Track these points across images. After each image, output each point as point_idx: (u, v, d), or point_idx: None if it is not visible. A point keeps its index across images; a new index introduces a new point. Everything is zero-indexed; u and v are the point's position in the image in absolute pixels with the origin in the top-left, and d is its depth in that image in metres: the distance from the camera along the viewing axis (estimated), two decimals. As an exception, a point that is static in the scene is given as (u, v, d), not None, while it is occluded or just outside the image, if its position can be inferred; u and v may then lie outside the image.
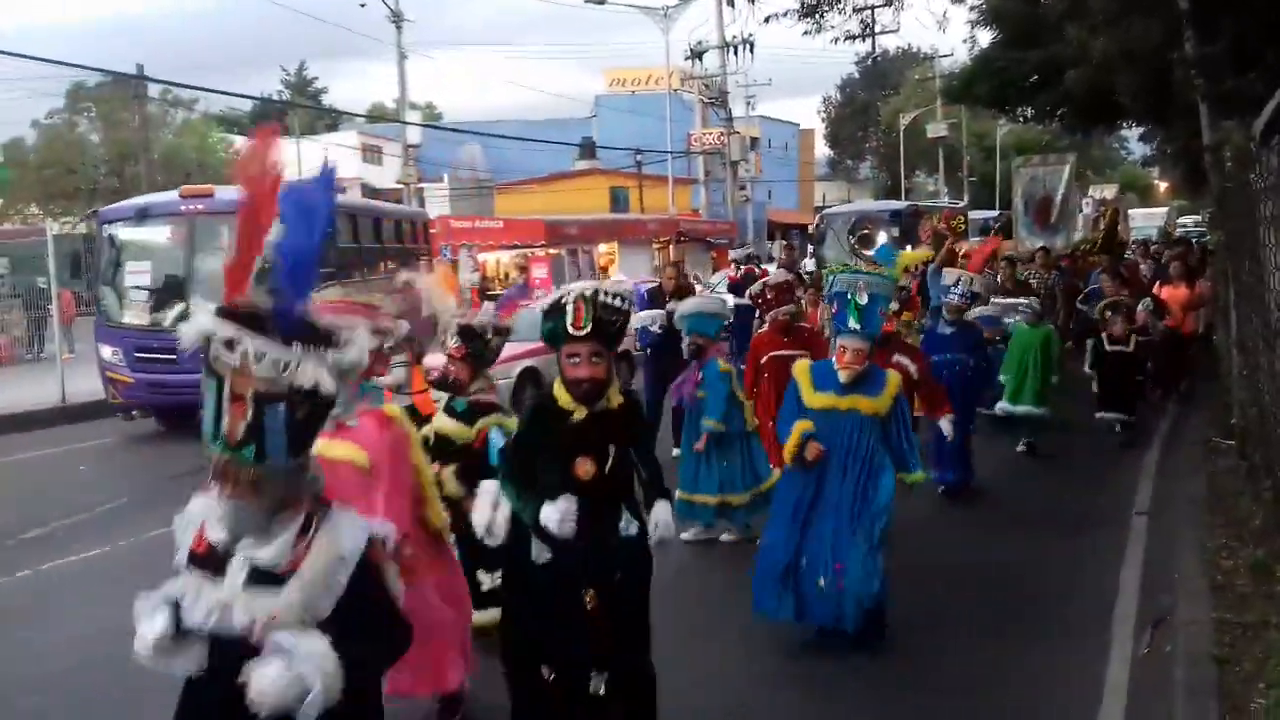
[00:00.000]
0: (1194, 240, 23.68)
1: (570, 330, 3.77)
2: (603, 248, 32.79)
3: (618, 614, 3.87)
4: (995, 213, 32.22)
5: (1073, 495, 8.67)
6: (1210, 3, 11.92)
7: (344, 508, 2.62)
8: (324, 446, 3.27)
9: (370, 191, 51.71)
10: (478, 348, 5.12)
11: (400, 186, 33.39)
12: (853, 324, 5.40)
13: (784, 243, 34.75)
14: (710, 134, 38.81)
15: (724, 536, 7.69)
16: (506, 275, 29.68)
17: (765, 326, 9.01)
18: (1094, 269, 15.26)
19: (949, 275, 9.13)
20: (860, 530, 5.38)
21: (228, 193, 12.45)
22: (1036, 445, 10.30)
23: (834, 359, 5.52)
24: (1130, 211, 33.77)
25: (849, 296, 5.43)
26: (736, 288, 12.83)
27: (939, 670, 5.42)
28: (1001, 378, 10.34)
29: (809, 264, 22.05)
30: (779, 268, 14.48)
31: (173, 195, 14.36)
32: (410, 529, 4.04)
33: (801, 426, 5.40)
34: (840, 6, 16.71)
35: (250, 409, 2.34)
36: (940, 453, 8.29)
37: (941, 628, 5.90)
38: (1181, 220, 46.50)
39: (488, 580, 5.07)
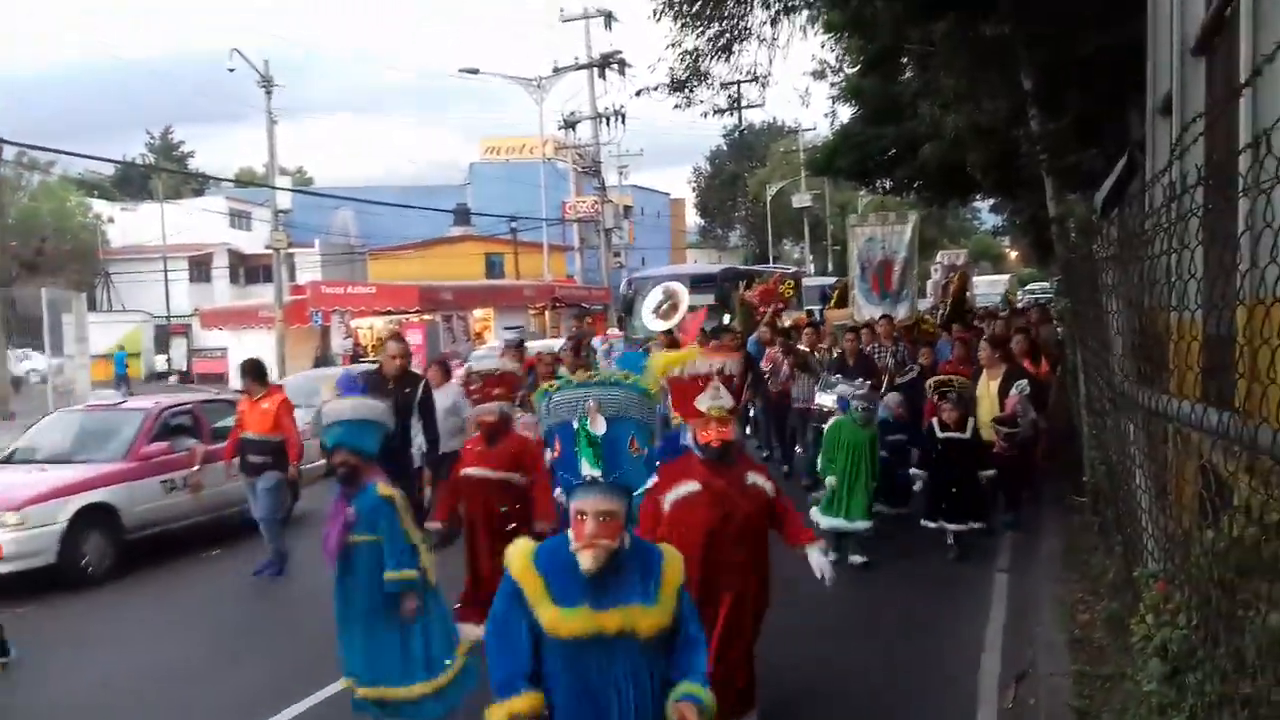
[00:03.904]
0: (1041, 303, 24.36)
1: None
2: (478, 313, 32.58)
3: None
4: (832, 280, 31.33)
5: (938, 553, 8.88)
6: (1053, 82, 12.71)
7: None
8: None
9: (238, 257, 50.55)
10: None
11: (270, 252, 32.67)
12: (589, 470, 3.18)
13: (577, 309, 34.23)
14: (584, 202, 39.33)
15: None
16: (380, 341, 29.23)
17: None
18: (938, 339, 13.89)
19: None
20: None
21: None
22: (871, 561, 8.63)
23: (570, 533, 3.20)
24: (974, 279, 34.37)
25: (575, 428, 3.26)
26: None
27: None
28: (827, 481, 8.62)
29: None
30: (568, 341, 12.70)
31: None
32: None
33: (518, 707, 3.08)
34: (708, 82, 17.20)
35: None
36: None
37: (819, 683, 5.95)
38: (1029, 287, 48.84)
39: None
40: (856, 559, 8.61)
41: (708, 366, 5.12)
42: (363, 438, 5.36)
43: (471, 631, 6.32)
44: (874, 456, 8.64)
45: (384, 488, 5.28)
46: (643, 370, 3.98)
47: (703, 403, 5.01)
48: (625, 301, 20.49)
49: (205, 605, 8.67)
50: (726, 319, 17.74)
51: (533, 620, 3.13)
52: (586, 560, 3.10)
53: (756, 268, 30.94)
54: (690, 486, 4.95)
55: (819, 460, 9.03)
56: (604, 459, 3.19)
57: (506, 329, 13.05)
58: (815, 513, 8.62)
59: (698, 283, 19.75)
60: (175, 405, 11.23)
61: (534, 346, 16.98)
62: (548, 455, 3.35)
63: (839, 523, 8.53)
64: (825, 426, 9.24)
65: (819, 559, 5.09)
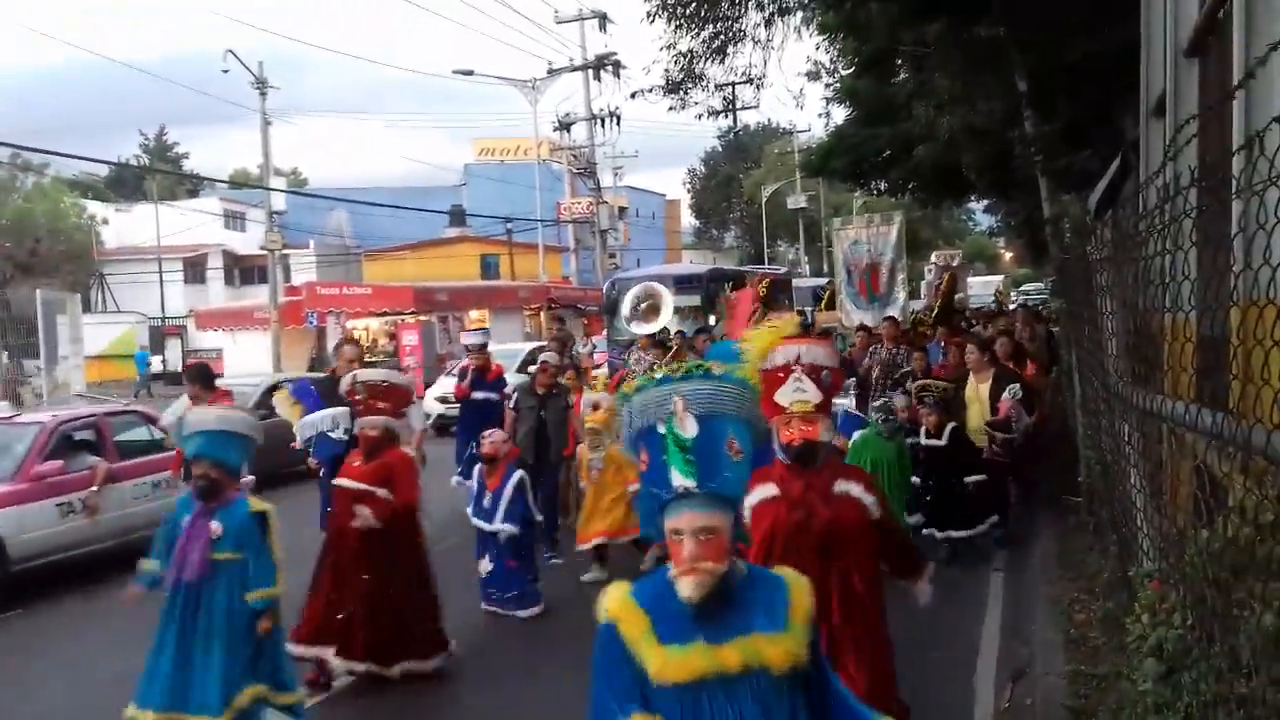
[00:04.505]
0: (1032, 305, 24.25)
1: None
2: (474, 314, 32.57)
3: None
4: (824, 280, 30.41)
5: (932, 555, 8.86)
6: (1046, 85, 12.75)
7: None
8: None
9: (233, 258, 50.50)
10: None
11: (264, 253, 32.66)
12: (680, 481, 2.60)
13: (553, 313, 33.85)
14: (579, 203, 39.27)
15: None
16: (375, 342, 29.23)
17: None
18: (930, 341, 13.32)
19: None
20: None
21: None
22: None
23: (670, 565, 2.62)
24: (969, 280, 33.92)
25: (661, 432, 2.67)
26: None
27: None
28: None
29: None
30: (550, 342, 12.14)
31: None
32: None
33: None
34: (703, 84, 17.23)
35: None
36: None
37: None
38: (1024, 287, 48.97)
39: None
40: None
41: (787, 355, 4.32)
42: (226, 450, 5.09)
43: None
44: (903, 467, 8.54)
45: (255, 503, 5.10)
46: (737, 358, 3.45)
47: (783, 396, 4.23)
48: (609, 303, 19.40)
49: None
50: (713, 320, 17.56)
51: (636, 669, 2.53)
52: (687, 587, 2.50)
53: (745, 268, 30.67)
54: (768, 490, 4.26)
55: None
56: (698, 465, 2.60)
57: (466, 332, 11.88)
58: None
59: (682, 283, 19.04)
60: (74, 418, 10.08)
61: (510, 349, 16.69)
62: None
63: None
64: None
65: (925, 588, 4.70)
